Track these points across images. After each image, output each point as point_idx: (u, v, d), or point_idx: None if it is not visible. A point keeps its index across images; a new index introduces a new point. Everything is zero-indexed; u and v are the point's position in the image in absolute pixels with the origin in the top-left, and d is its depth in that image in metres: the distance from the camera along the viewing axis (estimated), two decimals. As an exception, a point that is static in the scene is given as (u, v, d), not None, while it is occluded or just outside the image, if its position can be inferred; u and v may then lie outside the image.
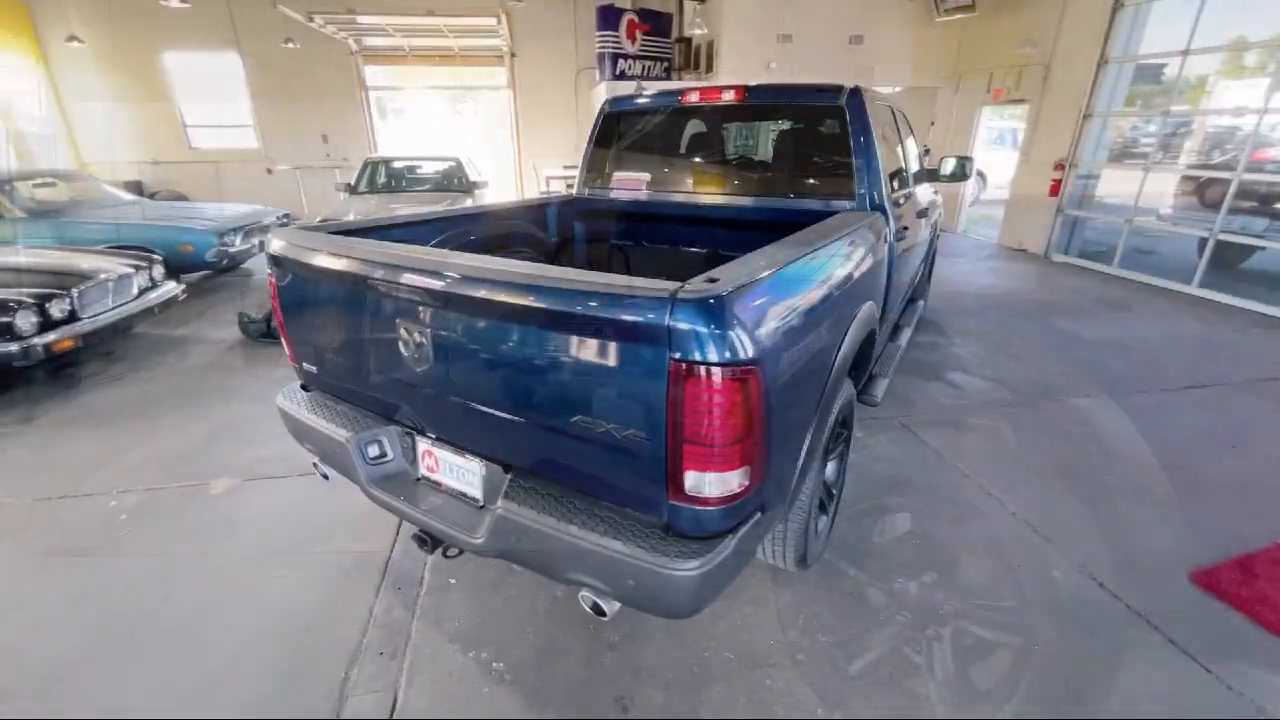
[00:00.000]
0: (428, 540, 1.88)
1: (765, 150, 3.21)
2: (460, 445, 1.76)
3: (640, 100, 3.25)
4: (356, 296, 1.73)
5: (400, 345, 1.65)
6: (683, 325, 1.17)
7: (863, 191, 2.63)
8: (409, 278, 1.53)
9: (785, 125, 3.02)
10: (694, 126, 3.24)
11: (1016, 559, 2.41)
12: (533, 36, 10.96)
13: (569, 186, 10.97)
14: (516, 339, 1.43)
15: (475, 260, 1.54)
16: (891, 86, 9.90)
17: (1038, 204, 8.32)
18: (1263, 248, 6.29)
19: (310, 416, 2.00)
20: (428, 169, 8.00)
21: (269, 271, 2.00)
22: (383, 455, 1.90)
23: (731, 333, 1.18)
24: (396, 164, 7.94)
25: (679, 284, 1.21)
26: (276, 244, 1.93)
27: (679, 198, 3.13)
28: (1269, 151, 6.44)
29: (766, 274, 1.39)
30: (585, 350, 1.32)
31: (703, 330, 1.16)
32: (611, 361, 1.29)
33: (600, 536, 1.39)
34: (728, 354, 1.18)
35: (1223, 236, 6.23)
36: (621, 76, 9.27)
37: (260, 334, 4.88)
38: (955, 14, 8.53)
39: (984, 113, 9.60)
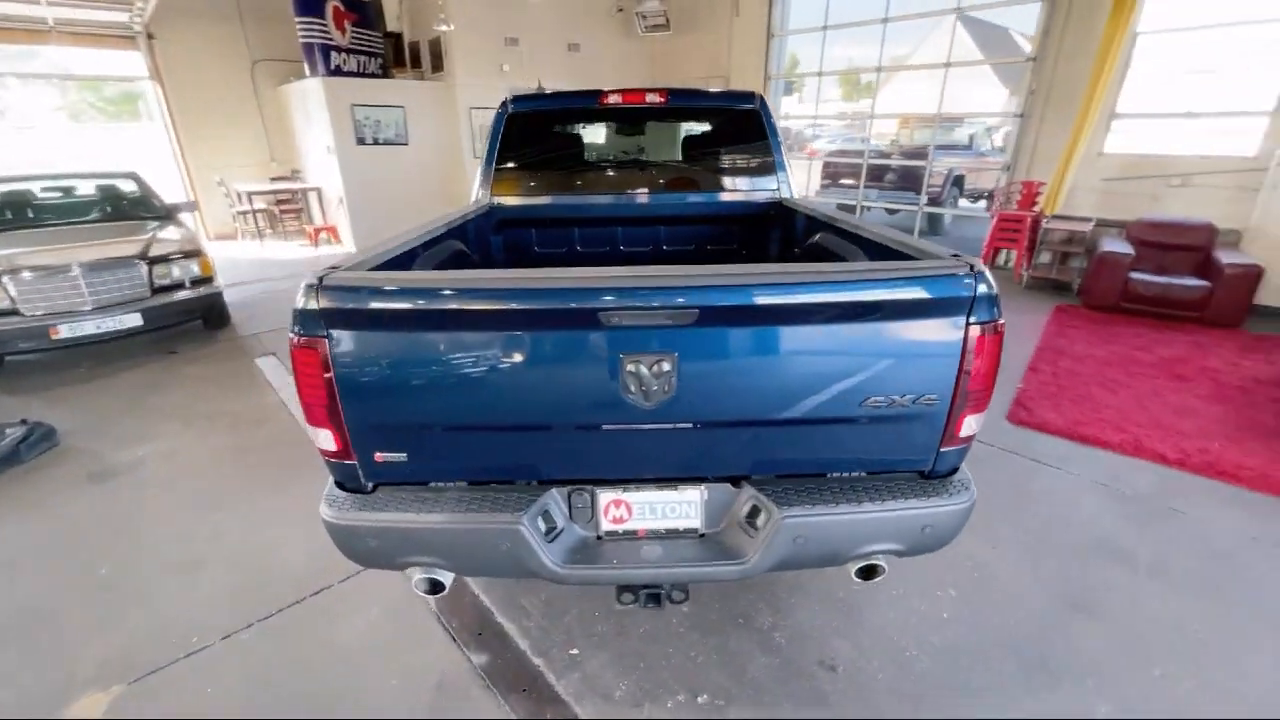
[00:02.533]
0: (639, 596, 1.65)
1: (685, 151, 3.41)
2: (671, 479, 1.60)
3: (544, 102, 3.08)
4: (540, 340, 1.39)
5: (619, 382, 1.41)
6: (982, 292, 1.39)
7: (781, 183, 3.10)
8: (666, 300, 1.33)
9: (707, 126, 3.28)
10: (615, 128, 3.23)
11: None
12: (180, 15, 8.49)
13: (279, 203, 9.07)
14: (799, 342, 1.42)
15: (746, 269, 1.44)
16: (607, 92, 10.95)
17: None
18: (896, 209, 9.22)
19: (427, 516, 1.50)
20: (83, 191, 5.62)
21: (313, 339, 1.38)
22: (553, 528, 1.57)
23: (997, 294, 1.45)
24: (19, 187, 5.35)
25: (962, 260, 1.42)
26: (346, 297, 1.36)
27: (611, 200, 3.12)
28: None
29: None
30: (886, 333, 1.42)
31: (989, 295, 1.41)
32: (913, 336, 1.42)
33: (894, 502, 1.52)
34: (996, 312, 1.45)
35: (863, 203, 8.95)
36: (338, 72, 8.00)
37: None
38: (653, 31, 9.88)
39: (683, 116, 11.42)
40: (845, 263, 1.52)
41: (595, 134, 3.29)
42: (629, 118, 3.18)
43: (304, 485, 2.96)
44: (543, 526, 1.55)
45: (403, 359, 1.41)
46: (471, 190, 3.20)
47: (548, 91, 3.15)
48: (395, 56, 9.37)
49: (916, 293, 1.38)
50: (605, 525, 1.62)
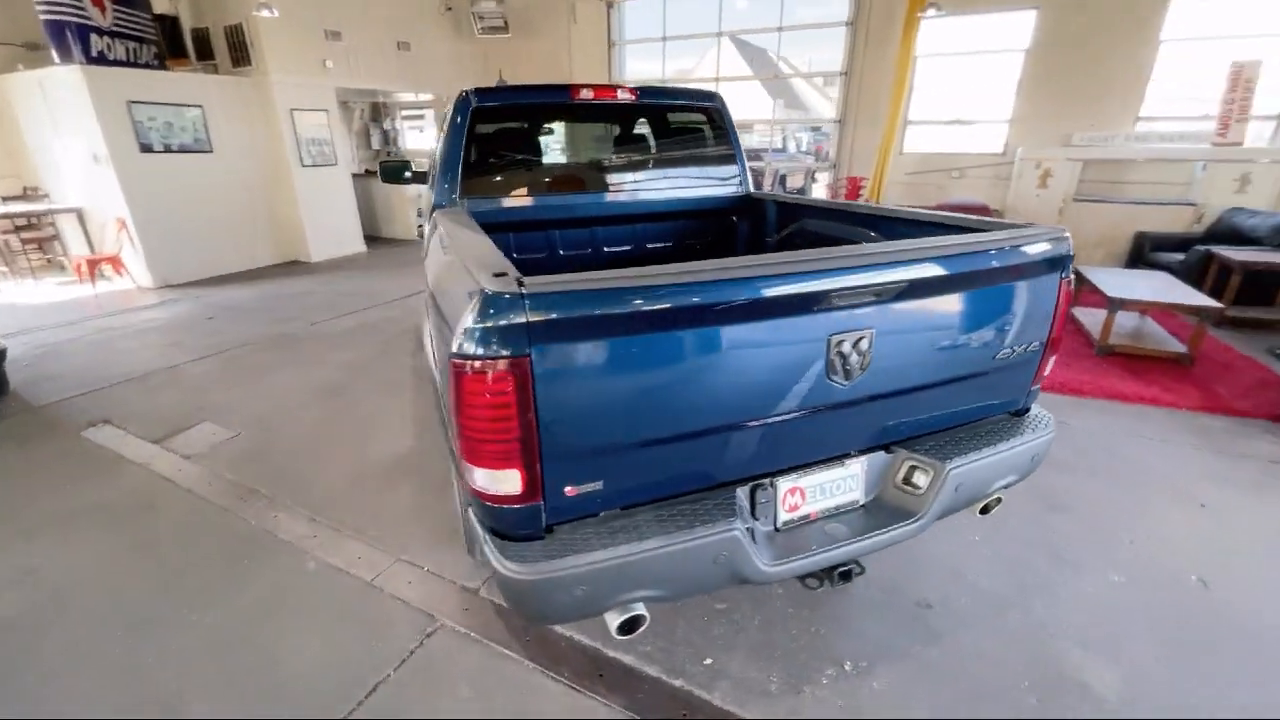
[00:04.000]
0: (831, 577, 1.65)
1: (655, 148, 3.35)
2: (839, 456, 1.63)
3: (511, 95, 2.83)
4: (759, 329, 1.32)
5: (825, 364, 1.40)
6: (1069, 250, 1.67)
7: (742, 177, 3.28)
8: (862, 279, 1.36)
9: (674, 123, 3.27)
10: (584, 125, 3.07)
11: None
12: None
13: (18, 230, 6.95)
14: (957, 307, 1.55)
15: (909, 244, 1.50)
16: (440, 95, 10.27)
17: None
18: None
19: (642, 545, 1.33)
20: None
21: (509, 360, 1.14)
22: (747, 528, 1.51)
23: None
24: None
25: (1052, 227, 1.68)
26: (556, 304, 1.14)
27: (588, 199, 2.99)
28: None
29: None
30: (1017, 291, 1.62)
31: (1071, 253, 1.70)
32: (1031, 292, 1.65)
33: (1018, 439, 1.75)
34: (1071, 266, 1.75)
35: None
36: (101, 59, 6.28)
37: None
38: (490, 33, 9.51)
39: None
40: (984, 233, 1.67)
41: (565, 130, 3.12)
42: (599, 114, 3.08)
43: (266, 571, 2.35)
44: (743, 527, 1.47)
45: (612, 370, 1.24)
46: (420, 198, 2.84)
47: (509, 85, 2.89)
48: (171, 45, 7.65)
49: (1040, 253, 1.61)
50: (783, 515, 1.60)
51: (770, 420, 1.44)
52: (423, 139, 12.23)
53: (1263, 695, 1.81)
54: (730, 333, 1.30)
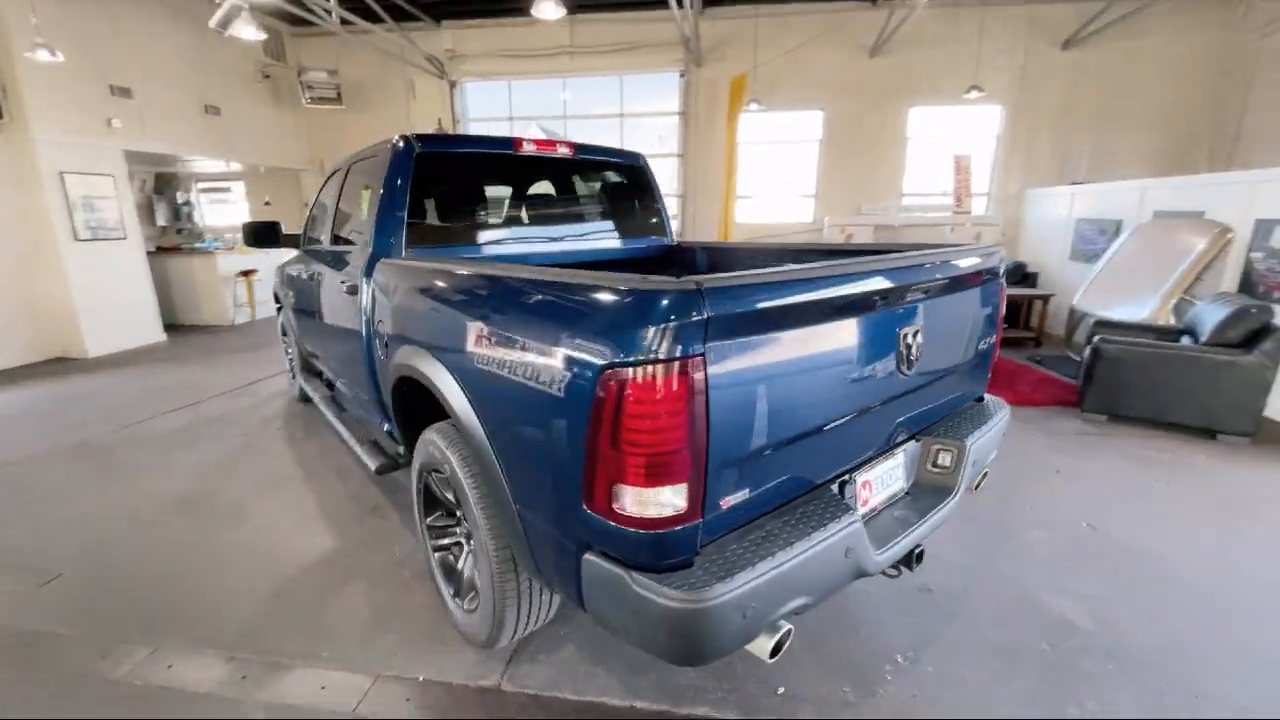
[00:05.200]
0: (909, 562, 1.73)
1: (590, 201, 3.34)
2: (892, 446, 1.78)
3: (456, 144, 2.70)
4: (864, 323, 1.44)
5: (895, 355, 1.56)
6: (1006, 264, 2.12)
7: (667, 229, 3.52)
8: (926, 273, 1.58)
9: (607, 179, 3.33)
10: (525, 177, 3.00)
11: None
12: None
13: None
14: (969, 303, 1.86)
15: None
16: (257, 165, 9.26)
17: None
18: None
19: (788, 552, 1.30)
20: None
21: (683, 360, 1.09)
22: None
23: (996, 265, 2.21)
24: None
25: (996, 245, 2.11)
26: (733, 300, 1.13)
27: (529, 251, 2.93)
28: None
29: None
30: (989, 289, 1.99)
31: (1006, 266, 2.15)
32: (992, 297, 2.03)
33: (1002, 420, 2.10)
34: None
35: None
36: None
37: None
38: (321, 104, 8.92)
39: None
40: (949, 248, 1.97)
41: (505, 182, 3.04)
42: (538, 166, 3.07)
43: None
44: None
45: (768, 368, 1.25)
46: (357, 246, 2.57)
47: (450, 134, 2.77)
48: None
49: (996, 262, 2.00)
50: (858, 510, 1.67)
51: (861, 412, 1.54)
52: (230, 213, 10.75)
53: (1168, 591, 2.31)
54: (854, 325, 1.40)
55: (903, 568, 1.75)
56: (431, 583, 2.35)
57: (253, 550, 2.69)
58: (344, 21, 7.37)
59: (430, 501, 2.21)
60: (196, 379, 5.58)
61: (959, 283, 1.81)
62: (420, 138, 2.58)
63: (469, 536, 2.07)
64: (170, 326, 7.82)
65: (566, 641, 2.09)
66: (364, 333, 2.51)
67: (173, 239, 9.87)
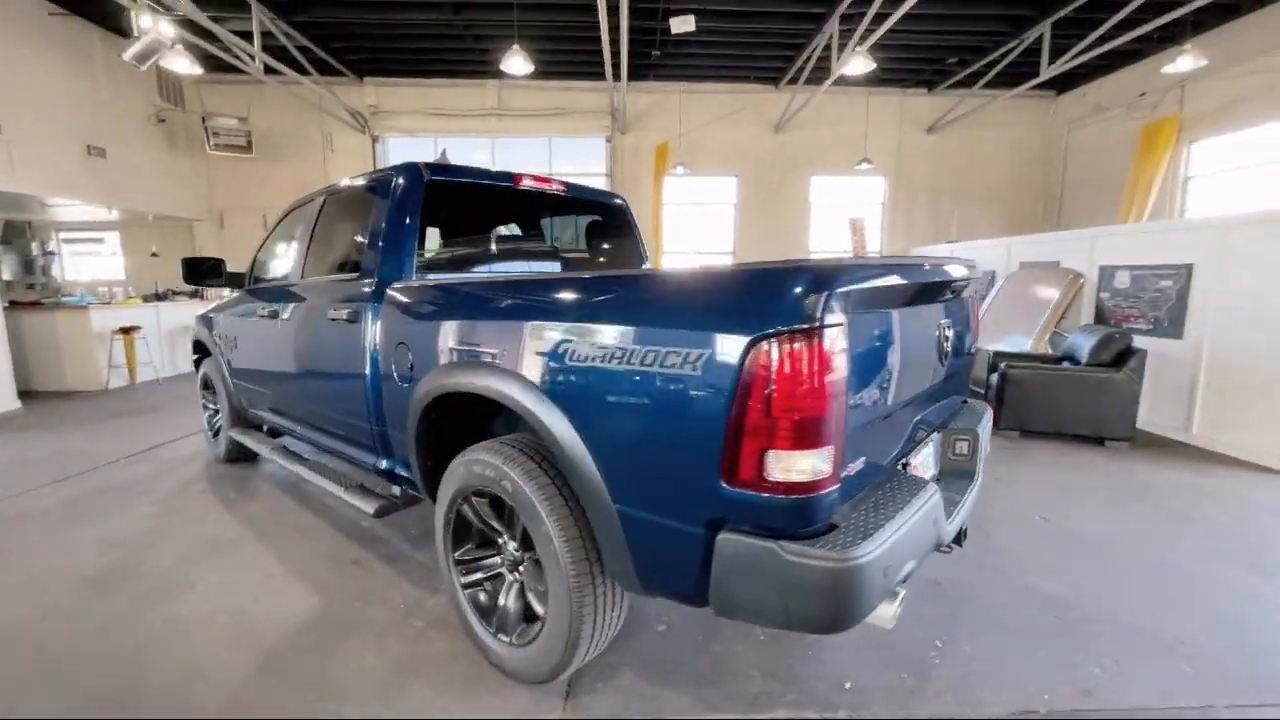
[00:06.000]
0: (959, 540, 1.87)
1: (579, 237, 3.37)
2: (928, 434, 1.96)
3: (463, 173, 2.70)
4: (914, 316, 1.62)
5: (935, 352, 1.77)
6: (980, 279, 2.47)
7: (647, 264, 3.69)
8: (961, 275, 1.82)
9: (594, 217, 3.41)
10: (519, 210, 3.01)
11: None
12: None
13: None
14: (968, 307, 2.14)
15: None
16: (145, 214, 8.40)
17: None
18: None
19: (908, 513, 1.40)
20: None
21: (827, 329, 1.19)
22: (913, 499, 1.70)
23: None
24: None
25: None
26: (858, 274, 1.26)
27: (524, 274, 2.95)
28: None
29: None
30: (971, 303, 2.30)
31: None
32: (974, 306, 2.35)
33: (987, 415, 2.37)
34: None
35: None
36: None
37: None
38: (228, 151, 8.36)
39: (266, 248, 9.77)
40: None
41: (505, 212, 3.04)
42: (534, 200, 3.12)
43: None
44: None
45: (874, 343, 1.39)
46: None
47: (454, 164, 2.76)
48: None
49: (979, 275, 2.34)
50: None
51: (919, 397, 1.71)
52: (100, 266, 9.52)
53: (1119, 562, 2.66)
54: (921, 314, 1.59)
55: (953, 544, 1.90)
56: (456, 627, 2.16)
57: (212, 618, 2.30)
58: (269, 70, 7.11)
59: (459, 534, 2.07)
60: (77, 448, 4.74)
61: (962, 288, 2.10)
62: (428, 166, 2.57)
63: (515, 564, 1.94)
64: (24, 394, 6.62)
65: (620, 668, 1.99)
66: (368, 362, 2.36)
67: (23, 294, 8.51)
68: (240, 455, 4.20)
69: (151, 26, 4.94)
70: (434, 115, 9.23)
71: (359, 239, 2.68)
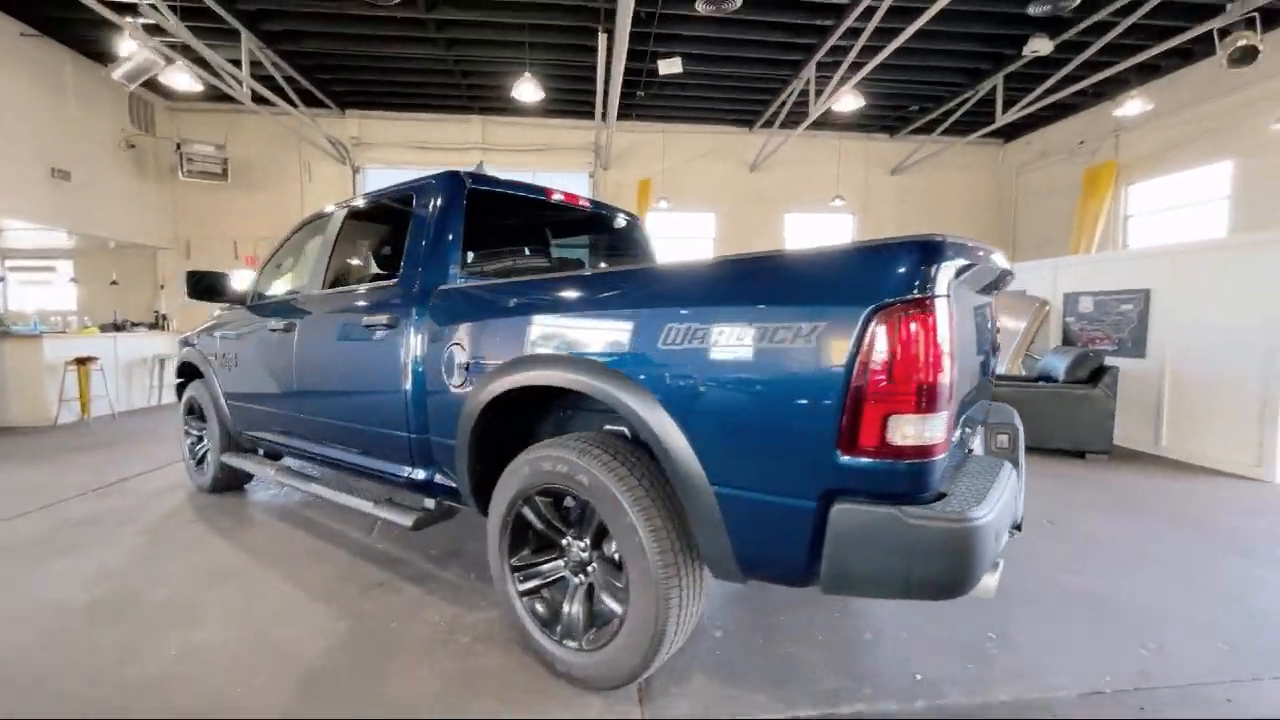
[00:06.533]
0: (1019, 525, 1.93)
1: (600, 252, 3.40)
2: (973, 427, 2.05)
3: (500, 185, 2.73)
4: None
5: (982, 339, 1.88)
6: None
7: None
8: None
9: (615, 232, 3.45)
10: (547, 223, 3.04)
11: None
12: None
13: None
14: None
15: None
16: (106, 241, 8.04)
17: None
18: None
19: (1000, 485, 1.46)
20: None
21: (942, 299, 1.26)
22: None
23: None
24: None
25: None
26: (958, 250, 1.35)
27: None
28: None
29: None
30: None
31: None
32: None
33: (1012, 409, 2.49)
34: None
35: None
36: None
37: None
38: (201, 178, 8.14)
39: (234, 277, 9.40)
40: None
41: (533, 226, 3.07)
42: (561, 215, 3.17)
43: None
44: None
45: (961, 322, 1.46)
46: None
47: (489, 175, 2.78)
48: None
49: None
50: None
51: (972, 387, 1.80)
52: (50, 296, 8.97)
53: (1127, 557, 2.79)
54: (981, 300, 1.68)
55: (1015, 529, 1.96)
56: (507, 642, 2.07)
57: (233, 646, 2.13)
58: (258, 99, 7.03)
59: (517, 539, 2.01)
60: (35, 483, 4.36)
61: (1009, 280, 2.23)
62: (468, 174, 2.60)
63: (582, 566, 1.89)
64: (-39, 429, 6.09)
65: (690, 673, 1.94)
66: (408, 367, 2.31)
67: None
68: (229, 485, 3.95)
69: (141, 47, 4.86)
70: (417, 148, 9.27)
71: (391, 248, 2.66)
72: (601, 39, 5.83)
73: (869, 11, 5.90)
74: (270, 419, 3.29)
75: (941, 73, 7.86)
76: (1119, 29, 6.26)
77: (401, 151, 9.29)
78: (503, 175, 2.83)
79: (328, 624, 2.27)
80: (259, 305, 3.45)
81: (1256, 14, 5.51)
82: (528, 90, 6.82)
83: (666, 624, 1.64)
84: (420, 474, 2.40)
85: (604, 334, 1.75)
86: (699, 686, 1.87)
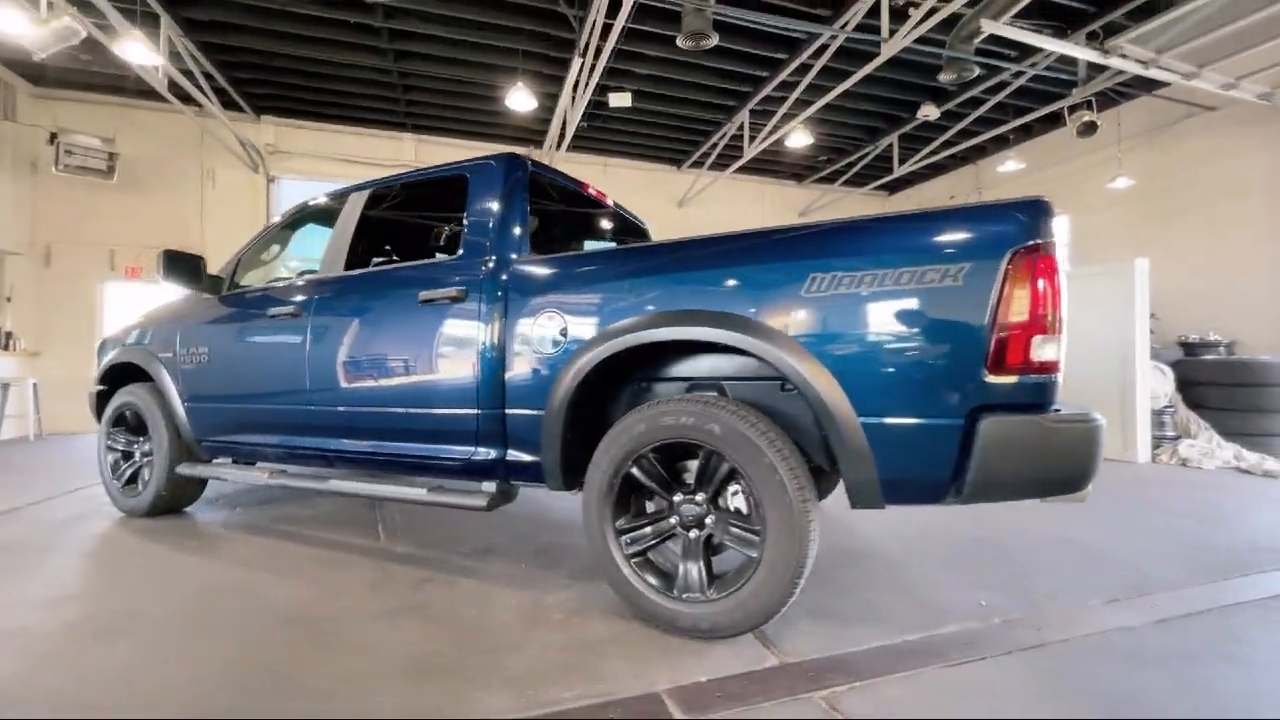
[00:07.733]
0: None
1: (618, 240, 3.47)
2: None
3: (552, 173, 2.78)
4: None
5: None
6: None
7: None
8: None
9: (631, 231, 3.53)
10: (583, 216, 3.09)
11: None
12: None
13: None
14: None
15: None
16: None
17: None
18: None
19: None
20: None
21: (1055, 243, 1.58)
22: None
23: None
24: None
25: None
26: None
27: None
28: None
29: None
30: None
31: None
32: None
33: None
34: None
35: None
36: None
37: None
38: (81, 173, 7.04)
39: (107, 289, 8.08)
40: None
41: (572, 215, 3.11)
42: (592, 210, 3.24)
43: None
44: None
45: None
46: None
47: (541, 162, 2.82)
48: None
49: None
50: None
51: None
52: None
53: (1109, 519, 3.34)
54: None
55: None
56: (604, 611, 2.07)
57: (304, 639, 1.88)
58: (151, 94, 6.32)
59: (620, 502, 2.02)
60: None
61: None
62: (533, 160, 2.65)
63: (699, 519, 1.94)
64: None
65: (793, 620, 2.02)
66: (485, 339, 2.26)
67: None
68: (170, 506, 3.41)
69: (60, 12, 4.28)
70: (340, 161, 8.77)
71: (443, 227, 2.60)
72: (574, 66, 6.06)
73: (804, 68, 6.72)
74: (259, 418, 2.95)
75: (849, 128, 9.02)
76: (988, 105, 7.68)
77: (325, 164, 8.74)
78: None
79: (396, 621, 2.07)
80: (239, 295, 3.11)
81: (1093, 98, 7.08)
82: (521, 99, 6.79)
83: (805, 559, 1.75)
84: (488, 453, 2.30)
85: (745, 289, 1.87)
86: (809, 629, 1.97)
